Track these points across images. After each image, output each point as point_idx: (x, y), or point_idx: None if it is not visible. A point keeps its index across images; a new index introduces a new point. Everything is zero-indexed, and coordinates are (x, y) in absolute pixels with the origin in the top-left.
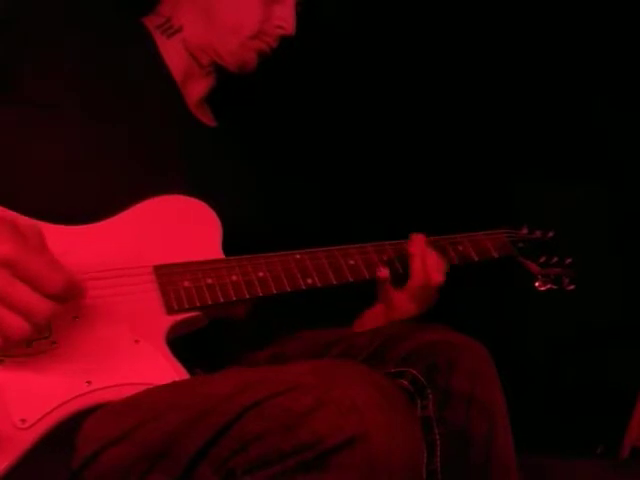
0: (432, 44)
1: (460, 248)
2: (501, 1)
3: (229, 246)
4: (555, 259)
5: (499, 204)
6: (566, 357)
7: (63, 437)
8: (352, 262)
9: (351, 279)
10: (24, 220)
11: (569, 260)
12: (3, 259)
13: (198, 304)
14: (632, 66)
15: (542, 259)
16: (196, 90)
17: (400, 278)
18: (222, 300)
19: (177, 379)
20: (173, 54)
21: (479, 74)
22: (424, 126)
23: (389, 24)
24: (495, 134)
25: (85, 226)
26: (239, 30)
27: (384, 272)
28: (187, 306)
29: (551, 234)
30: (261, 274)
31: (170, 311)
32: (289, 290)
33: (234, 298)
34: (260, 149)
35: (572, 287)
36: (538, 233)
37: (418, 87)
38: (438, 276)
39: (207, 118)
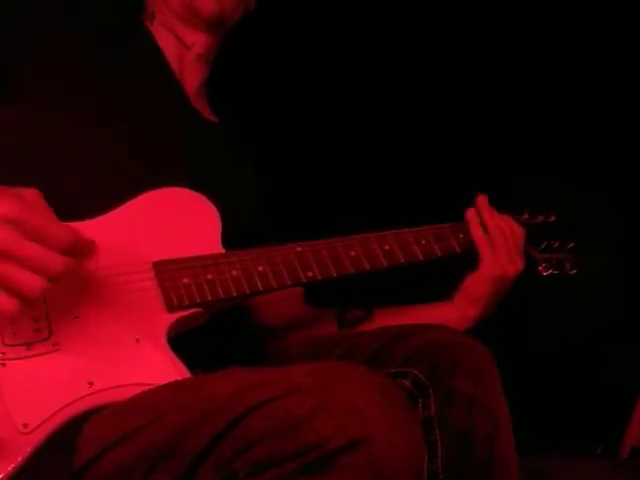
0: (432, 41)
1: (461, 236)
2: (500, 1)
3: (230, 241)
4: (557, 244)
5: (498, 203)
6: (566, 357)
7: (64, 438)
8: (353, 253)
9: (352, 271)
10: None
11: (571, 245)
12: (5, 216)
13: (198, 300)
14: (632, 64)
15: (544, 244)
16: (192, 79)
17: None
18: (222, 296)
19: (179, 378)
20: (164, 42)
21: (478, 73)
22: (423, 124)
23: (390, 21)
24: (494, 133)
25: (83, 222)
26: None
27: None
28: (187, 303)
29: (553, 218)
30: (261, 268)
31: (170, 308)
32: (290, 284)
33: (234, 294)
34: (261, 144)
35: (574, 272)
36: (540, 217)
37: (417, 85)
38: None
39: (207, 111)
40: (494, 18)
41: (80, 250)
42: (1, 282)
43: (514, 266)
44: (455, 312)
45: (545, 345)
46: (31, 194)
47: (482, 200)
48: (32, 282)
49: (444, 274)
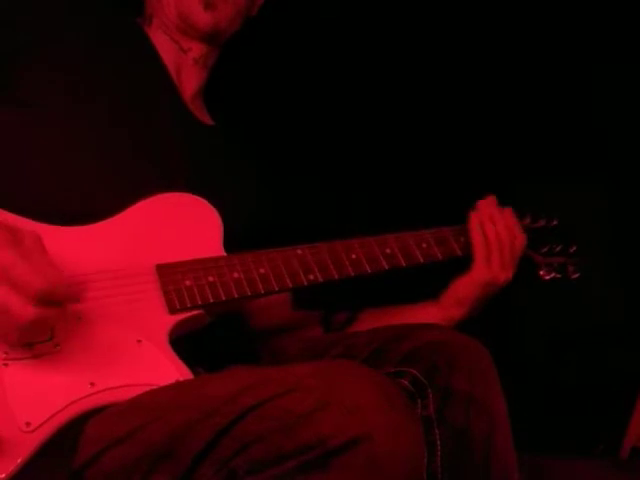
0: (433, 41)
1: (462, 239)
2: (501, 1)
3: (231, 244)
4: (559, 248)
5: (500, 204)
6: (566, 357)
7: (66, 438)
8: (354, 256)
9: (353, 274)
10: (23, 224)
11: (573, 248)
12: None
13: (200, 302)
14: (632, 65)
15: (545, 248)
16: (189, 84)
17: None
18: (224, 298)
19: (180, 379)
20: (162, 45)
21: (480, 74)
22: (425, 125)
23: (391, 21)
24: (496, 134)
25: (86, 226)
26: None
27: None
28: (189, 305)
29: (555, 222)
30: (262, 271)
31: (172, 310)
32: (291, 287)
33: (236, 295)
34: (258, 146)
35: (576, 276)
36: (542, 222)
37: (419, 85)
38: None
39: (203, 115)
40: (494, 19)
41: (58, 297)
42: None
43: (505, 274)
44: (440, 312)
45: (545, 345)
46: (29, 238)
47: (489, 201)
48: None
49: (428, 274)
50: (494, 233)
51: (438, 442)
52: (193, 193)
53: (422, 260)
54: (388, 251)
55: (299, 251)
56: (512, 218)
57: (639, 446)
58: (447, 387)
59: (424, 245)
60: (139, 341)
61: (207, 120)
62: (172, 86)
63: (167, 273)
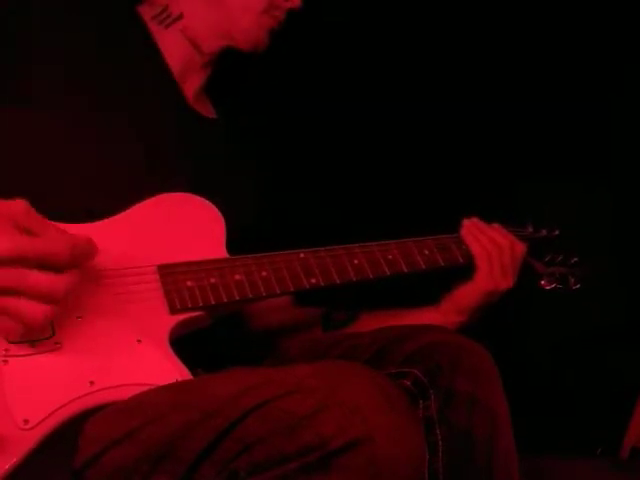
0: (434, 42)
1: (464, 247)
2: (503, 1)
3: (233, 245)
4: (560, 258)
5: (502, 204)
6: (566, 358)
7: (65, 437)
8: (356, 261)
9: (355, 279)
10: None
11: (575, 259)
12: (3, 257)
13: (201, 304)
14: (634, 66)
15: (547, 258)
16: (194, 81)
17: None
18: (225, 300)
19: (180, 379)
20: (171, 45)
21: (482, 74)
22: (427, 125)
23: (393, 21)
24: (499, 134)
25: (87, 225)
26: (249, 7)
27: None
28: (190, 306)
29: (557, 232)
30: (264, 273)
31: (173, 311)
32: (292, 290)
33: (237, 298)
34: (262, 144)
35: (577, 287)
36: (544, 231)
37: (421, 86)
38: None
39: (207, 110)
40: (497, 19)
41: (81, 255)
42: (6, 312)
43: (506, 282)
44: (440, 318)
45: (546, 346)
46: (21, 210)
47: (473, 219)
48: (34, 312)
49: (430, 280)
50: (489, 240)
51: (440, 443)
52: (195, 192)
53: (424, 266)
54: (390, 257)
55: (301, 255)
56: (503, 229)
57: (639, 446)
58: (450, 388)
59: (426, 251)
60: (139, 341)
61: (210, 113)
62: (172, 82)
63: (169, 273)
